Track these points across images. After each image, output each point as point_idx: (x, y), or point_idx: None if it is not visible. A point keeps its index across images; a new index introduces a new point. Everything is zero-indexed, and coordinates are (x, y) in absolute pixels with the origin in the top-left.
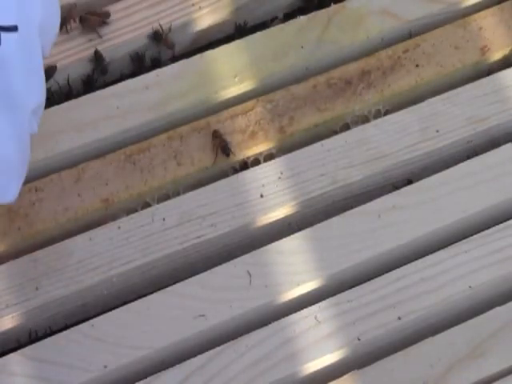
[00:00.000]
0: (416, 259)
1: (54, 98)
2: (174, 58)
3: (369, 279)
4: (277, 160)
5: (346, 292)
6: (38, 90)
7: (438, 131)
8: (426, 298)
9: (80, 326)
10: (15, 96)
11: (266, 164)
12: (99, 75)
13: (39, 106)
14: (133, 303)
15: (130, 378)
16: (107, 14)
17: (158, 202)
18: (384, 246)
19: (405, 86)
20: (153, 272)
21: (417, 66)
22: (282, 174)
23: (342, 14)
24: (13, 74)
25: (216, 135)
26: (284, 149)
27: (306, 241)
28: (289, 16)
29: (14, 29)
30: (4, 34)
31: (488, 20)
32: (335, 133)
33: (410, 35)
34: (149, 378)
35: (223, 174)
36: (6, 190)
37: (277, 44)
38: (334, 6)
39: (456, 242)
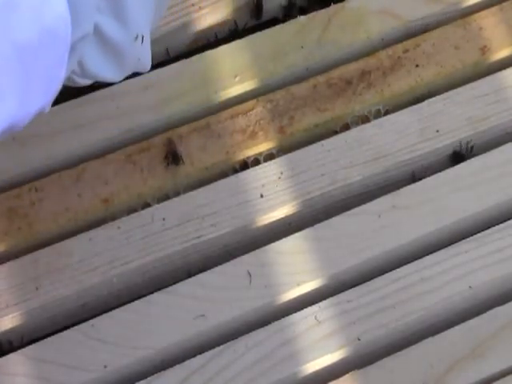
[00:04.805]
0: (416, 259)
1: None
2: (174, 58)
3: (369, 279)
4: (277, 160)
5: (346, 292)
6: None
7: (438, 131)
8: (426, 298)
9: (80, 325)
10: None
11: (265, 164)
12: None
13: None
14: (133, 303)
15: (130, 378)
16: None
17: (158, 202)
18: (384, 245)
19: (405, 86)
20: (153, 272)
21: (417, 66)
22: (281, 174)
23: (342, 14)
24: None
25: (170, 142)
26: (284, 149)
27: (306, 241)
28: (289, 16)
29: None
30: None
31: (488, 20)
32: (335, 133)
33: (410, 35)
34: (149, 378)
35: (223, 174)
36: (147, 61)
37: (277, 44)
38: (333, 6)
39: (456, 242)
